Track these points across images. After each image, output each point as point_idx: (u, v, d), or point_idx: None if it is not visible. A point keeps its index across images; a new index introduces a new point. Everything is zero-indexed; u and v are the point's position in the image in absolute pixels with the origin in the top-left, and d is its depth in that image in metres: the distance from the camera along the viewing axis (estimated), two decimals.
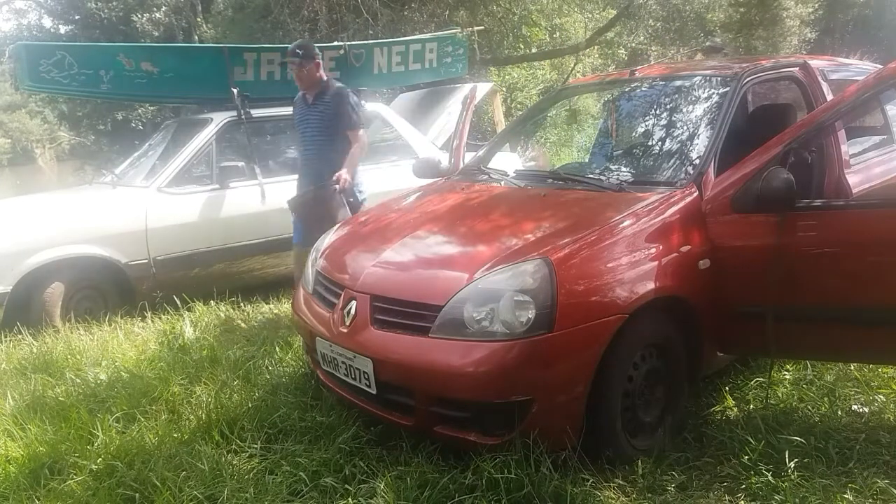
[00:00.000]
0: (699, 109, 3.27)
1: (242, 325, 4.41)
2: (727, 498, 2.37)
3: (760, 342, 2.71)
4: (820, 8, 16.54)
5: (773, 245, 2.59)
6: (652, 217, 2.67)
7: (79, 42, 14.17)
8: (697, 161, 2.92)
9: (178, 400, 3.20)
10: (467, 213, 3.14)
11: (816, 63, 3.58)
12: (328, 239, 3.33)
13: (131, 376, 3.47)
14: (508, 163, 4.71)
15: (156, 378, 3.40)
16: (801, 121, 3.02)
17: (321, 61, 4.27)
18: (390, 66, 6.62)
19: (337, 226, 3.50)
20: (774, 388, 3.03)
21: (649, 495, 2.36)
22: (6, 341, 4.22)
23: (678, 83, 3.53)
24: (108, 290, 4.67)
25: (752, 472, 2.39)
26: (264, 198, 5.04)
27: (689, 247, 2.66)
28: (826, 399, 2.91)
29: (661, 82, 3.68)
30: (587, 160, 4.41)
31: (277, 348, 3.77)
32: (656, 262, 2.56)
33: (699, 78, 3.46)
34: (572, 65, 15.99)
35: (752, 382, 3.08)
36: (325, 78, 4.29)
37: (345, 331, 2.66)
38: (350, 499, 2.34)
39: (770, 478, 2.33)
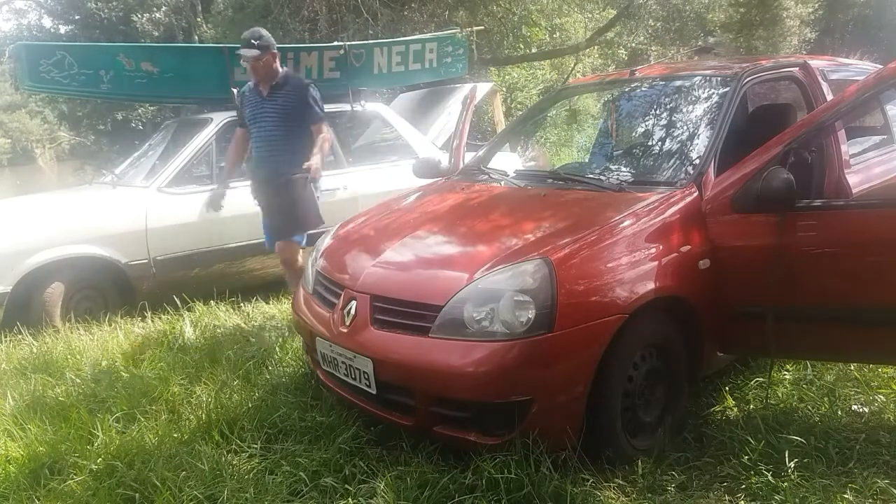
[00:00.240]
0: (699, 109, 3.27)
1: (242, 325, 4.41)
2: (727, 498, 2.36)
3: (760, 342, 2.71)
4: (820, 8, 16.51)
5: (773, 245, 2.58)
6: (652, 217, 2.67)
7: (79, 42, 14.15)
8: (697, 161, 2.92)
9: (178, 400, 3.20)
10: (467, 213, 3.14)
11: (816, 63, 3.58)
12: (328, 239, 3.33)
13: (131, 376, 3.47)
14: (508, 163, 4.70)
15: (156, 378, 3.40)
16: (801, 121, 3.02)
17: (276, 51, 4.06)
18: (390, 66, 6.60)
19: (337, 226, 3.50)
20: (774, 388, 3.02)
21: (649, 495, 2.36)
22: (6, 341, 4.22)
23: (678, 83, 3.53)
24: (108, 290, 4.67)
25: (752, 472, 2.39)
26: None
27: (689, 247, 2.66)
28: (826, 399, 2.91)
29: (661, 82, 3.68)
30: (587, 160, 4.41)
31: (277, 348, 3.77)
32: (656, 262, 2.56)
33: (699, 78, 3.46)
34: (572, 65, 15.99)
35: (752, 382, 3.08)
36: (280, 69, 4.10)
37: (345, 331, 2.66)
38: (350, 499, 2.34)
39: (770, 478, 2.33)
